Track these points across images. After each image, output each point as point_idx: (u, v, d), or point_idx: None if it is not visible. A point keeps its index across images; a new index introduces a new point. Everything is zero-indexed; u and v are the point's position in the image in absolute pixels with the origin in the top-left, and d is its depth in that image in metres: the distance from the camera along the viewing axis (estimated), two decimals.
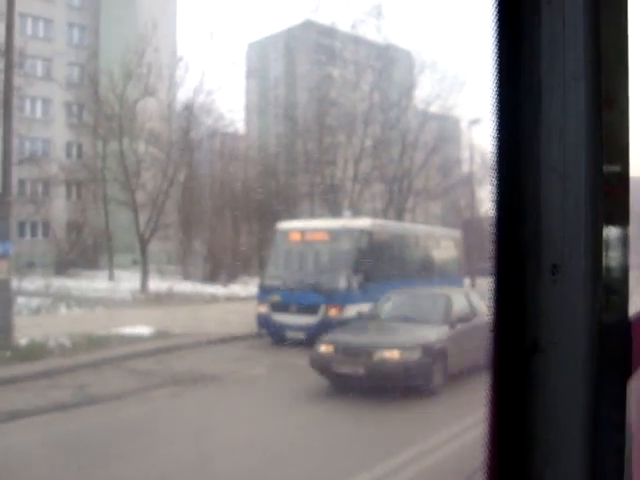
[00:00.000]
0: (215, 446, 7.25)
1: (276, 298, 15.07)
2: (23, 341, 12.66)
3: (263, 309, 15.35)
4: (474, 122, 37.03)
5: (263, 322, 15.34)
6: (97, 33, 44.37)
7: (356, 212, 28.79)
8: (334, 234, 15.83)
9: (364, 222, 16.75)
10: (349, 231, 15.67)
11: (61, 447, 7.26)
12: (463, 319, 10.81)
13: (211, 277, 33.24)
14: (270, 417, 8.38)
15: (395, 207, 41.19)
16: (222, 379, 11.25)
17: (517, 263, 1.12)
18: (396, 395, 9.39)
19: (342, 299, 14.65)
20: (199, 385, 10.74)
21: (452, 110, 42.60)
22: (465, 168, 46.24)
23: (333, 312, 14.47)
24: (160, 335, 15.31)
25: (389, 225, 20.00)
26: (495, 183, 1.16)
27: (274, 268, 16.47)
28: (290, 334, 14.68)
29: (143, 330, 15.52)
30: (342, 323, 14.08)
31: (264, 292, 15.75)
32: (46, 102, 41.99)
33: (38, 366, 11.29)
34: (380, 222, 19.30)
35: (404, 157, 41.55)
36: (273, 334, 15.23)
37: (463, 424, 7.61)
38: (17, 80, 17.54)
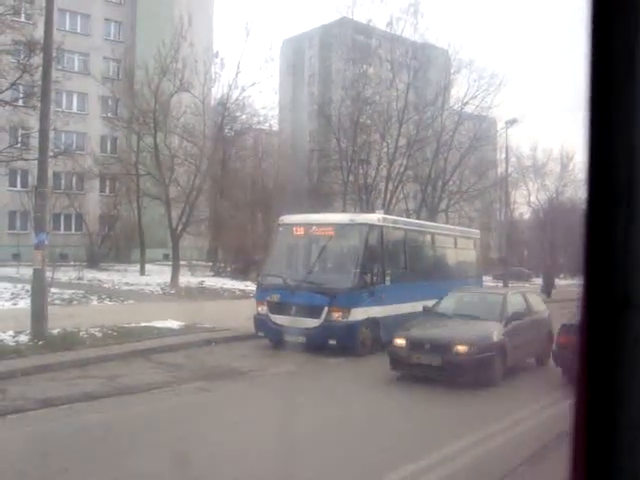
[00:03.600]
0: (242, 441, 7.11)
1: (275, 298, 13.71)
2: (55, 331, 12.70)
3: (261, 309, 14.06)
4: (511, 123, 36.44)
5: (260, 324, 13.99)
6: (133, 28, 44.82)
7: (389, 212, 28.53)
8: (340, 229, 14.17)
9: (373, 217, 15.13)
10: (357, 226, 14.00)
11: (89, 436, 7.19)
12: (518, 317, 11.74)
13: (241, 273, 33.28)
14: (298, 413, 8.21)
15: (428, 208, 40.81)
16: (250, 375, 11.12)
17: (608, 211, 1.05)
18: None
19: (347, 301, 13.14)
20: (228, 380, 10.63)
21: (488, 110, 42.10)
22: (500, 170, 45.69)
23: (337, 315, 13.02)
24: (189, 329, 15.26)
25: (401, 221, 18.15)
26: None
27: (275, 265, 14.86)
28: (289, 338, 13.04)
29: (173, 324, 15.51)
30: (346, 328, 12.93)
31: (263, 291, 14.37)
32: (82, 96, 42.54)
33: (69, 356, 11.29)
34: (391, 217, 17.63)
35: (438, 157, 41.15)
36: (271, 337, 13.94)
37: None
38: (54, 74, 17.58)
